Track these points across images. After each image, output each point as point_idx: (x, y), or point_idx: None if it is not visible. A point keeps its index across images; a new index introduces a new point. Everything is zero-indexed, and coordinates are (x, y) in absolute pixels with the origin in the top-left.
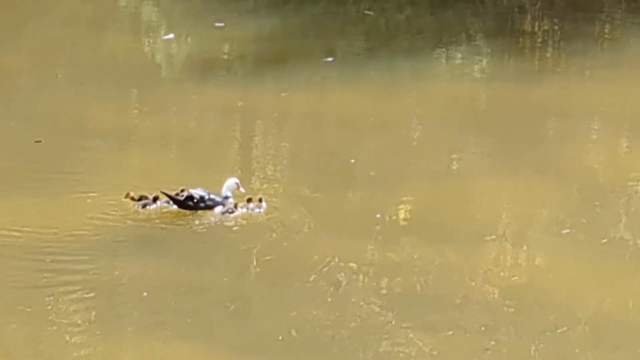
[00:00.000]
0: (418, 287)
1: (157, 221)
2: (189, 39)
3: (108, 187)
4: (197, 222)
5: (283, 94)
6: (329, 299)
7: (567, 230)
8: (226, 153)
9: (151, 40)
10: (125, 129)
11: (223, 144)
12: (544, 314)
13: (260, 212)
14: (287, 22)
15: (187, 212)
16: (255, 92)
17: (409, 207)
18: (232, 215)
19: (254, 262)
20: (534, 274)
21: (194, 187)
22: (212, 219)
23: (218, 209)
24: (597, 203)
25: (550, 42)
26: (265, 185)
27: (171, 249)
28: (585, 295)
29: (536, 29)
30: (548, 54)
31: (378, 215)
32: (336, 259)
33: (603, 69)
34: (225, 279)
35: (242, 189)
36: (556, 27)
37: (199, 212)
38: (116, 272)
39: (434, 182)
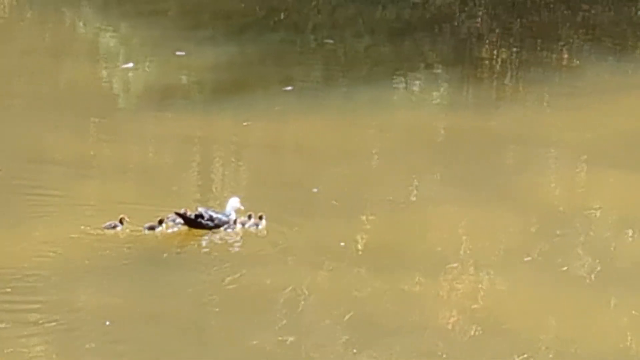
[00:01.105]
0: (380, 315)
1: (119, 249)
2: (147, 68)
3: (68, 215)
4: (159, 250)
5: (245, 124)
6: (290, 328)
7: (529, 258)
8: (186, 181)
9: (110, 69)
10: (85, 158)
11: (182, 172)
12: (505, 341)
13: (258, 229)
14: (245, 51)
15: (194, 231)
16: (214, 121)
17: (371, 236)
18: (231, 231)
19: (216, 291)
20: (495, 301)
21: (200, 207)
22: (216, 237)
23: (226, 228)
24: (556, 231)
25: (508, 70)
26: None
27: (134, 278)
28: (545, 323)
29: (494, 57)
30: (506, 82)
31: (342, 244)
32: (299, 288)
33: (561, 97)
34: (186, 308)
35: (242, 207)
36: (514, 56)
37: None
38: (78, 301)
39: (395, 210)
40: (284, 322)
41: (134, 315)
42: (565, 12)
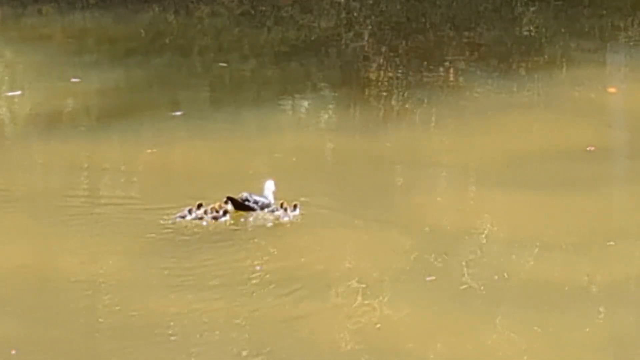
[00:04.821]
0: (273, 340)
1: (15, 276)
2: (34, 94)
3: None
4: (53, 278)
5: (149, 151)
6: (185, 355)
7: (432, 278)
8: (73, 209)
9: None
10: None
11: (70, 199)
12: None
13: (290, 219)
14: (132, 76)
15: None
16: (102, 147)
17: (266, 259)
18: (274, 214)
19: (107, 319)
20: (391, 322)
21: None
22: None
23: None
24: (447, 251)
25: (395, 91)
26: (119, 241)
27: (38, 304)
28: (442, 343)
29: (381, 78)
30: (393, 103)
31: (258, 267)
32: (193, 314)
33: (448, 117)
34: (85, 337)
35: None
36: (401, 76)
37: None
38: None
39: (287, 233)
40: (177, 352)
41: (38, 343)
42: (450, 32)
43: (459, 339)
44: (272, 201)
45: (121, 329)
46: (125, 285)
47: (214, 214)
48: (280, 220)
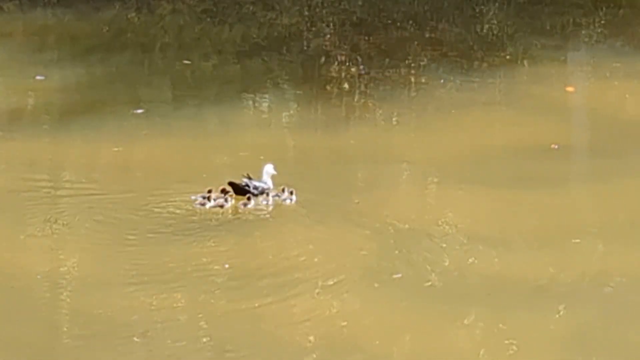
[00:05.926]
0: (237, 339)
1: None
2: None
3: None
4: (22, 272)
5: (115, 149)
6: (148, 353)
7: (399, 275)
8: (35, 207)
9: None
10: None
11: (31, 197)
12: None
13: (290, 203)
14: (93, 73)
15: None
16: (63, 145)
17: (228, 257)
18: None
19: (69, 316)
20: (353, 319)
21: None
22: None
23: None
24: (413, 248)
25: (357, 89)
26: (79, 238)
27: None
28: (408, 340)
29: (343, 75)
30: (355, 101)
31: (227, 266)
32: (156, 312)
33: (410, 114)
34: (43, 335)
35: (275, 172)
36: (363, 74)
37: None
38: None
39: (250, 230)
40: (144, 349)
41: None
42: (412, 29)
43: (425, 336)
44: (271, 186)
45: (83, 325)
46: (87, 282)
47: (244, 200)
48: (282, 204)
